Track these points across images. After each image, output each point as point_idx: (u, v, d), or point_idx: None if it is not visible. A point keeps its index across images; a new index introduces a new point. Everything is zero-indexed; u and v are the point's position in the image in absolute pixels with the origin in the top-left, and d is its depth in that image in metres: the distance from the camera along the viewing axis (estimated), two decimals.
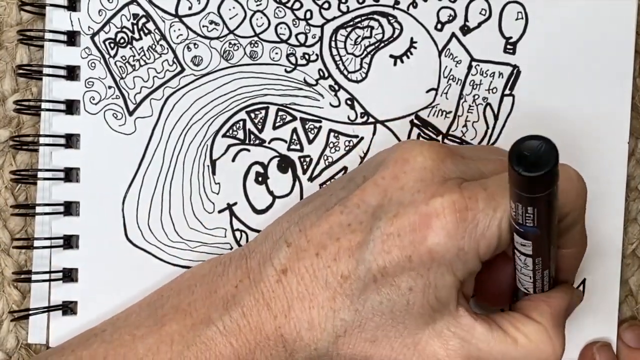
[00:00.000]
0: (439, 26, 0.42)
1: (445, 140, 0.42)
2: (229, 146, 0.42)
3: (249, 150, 0.42)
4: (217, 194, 0.42)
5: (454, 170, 0.35)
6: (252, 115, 0.42)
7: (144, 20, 0.42)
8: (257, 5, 0.42)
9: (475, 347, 0.35)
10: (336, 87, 0.42)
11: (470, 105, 0.43)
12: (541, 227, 0.32)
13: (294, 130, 0.42)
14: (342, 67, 0.42)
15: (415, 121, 0.42)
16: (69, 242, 0.43)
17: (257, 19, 0.42)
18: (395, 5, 0.42)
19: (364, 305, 0.35)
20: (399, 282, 0.34)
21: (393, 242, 0.34)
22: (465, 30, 0.42)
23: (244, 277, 0.37)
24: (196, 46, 0.42)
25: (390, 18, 0.42)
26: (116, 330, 0.38)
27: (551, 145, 0.29)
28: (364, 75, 0.42)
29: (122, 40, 0.42)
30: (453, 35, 0.42)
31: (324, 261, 0.35)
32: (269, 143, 0.42)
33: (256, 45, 0.42)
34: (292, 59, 0.42)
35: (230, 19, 0.42)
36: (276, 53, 0.42)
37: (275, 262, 0.36)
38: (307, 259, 0.35)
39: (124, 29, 0.42)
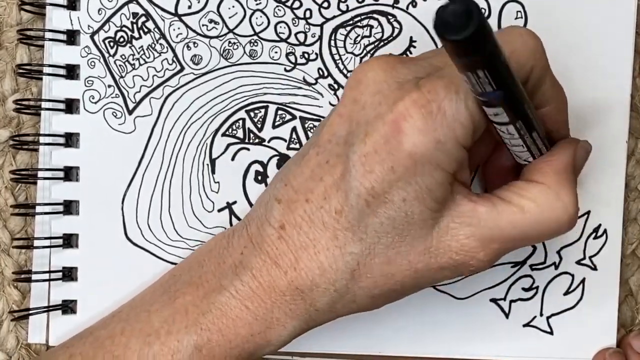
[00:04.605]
0: None
1: None
2: (229, 145, 0.42)
3: (248, 149, 0.42)
4: (217, 192, 0.42)
5: (407, 73, 0.34)
6: (252, 114, 0.42)
7: (143, 19, 0.42)
8: (257, 4, 0.42)
9: (485, 227, 0.35)
10: (336, 86, 0.42)
11: None
12: (503, 88, 0.31)
13: (294, 129, 0.42)
14: (341, 66, 0.42)
15: None
16: (69, 241, 0.43)
17: (256, 18, 0.42)
18: (395, 4, 0.42)
19: (366, 232, 0.34)
20: (391, 197, 0.34)
21: (372, 159, 0.33)
22: None
23: (247, 243, 0.37)
24: (196, 45, 0.42)
25: (389, 17, 0.42)
26: (132, 309, 0.39)
27: (471, 3, 0.27)
28: None
29: (121, 39, 0.42)
30: None
31: (315, 204, 0.35)
32: (269, 142, 0.42)
33: (256, 44, 0.42)
34: (292, 58, 0.42)
35: (229, 17, 0.42)
36: (276, 52, 0.42)
37: (272, 221, 0.36)
38: (299, 208, 0.35)
39: (124, 28, 0.42)
